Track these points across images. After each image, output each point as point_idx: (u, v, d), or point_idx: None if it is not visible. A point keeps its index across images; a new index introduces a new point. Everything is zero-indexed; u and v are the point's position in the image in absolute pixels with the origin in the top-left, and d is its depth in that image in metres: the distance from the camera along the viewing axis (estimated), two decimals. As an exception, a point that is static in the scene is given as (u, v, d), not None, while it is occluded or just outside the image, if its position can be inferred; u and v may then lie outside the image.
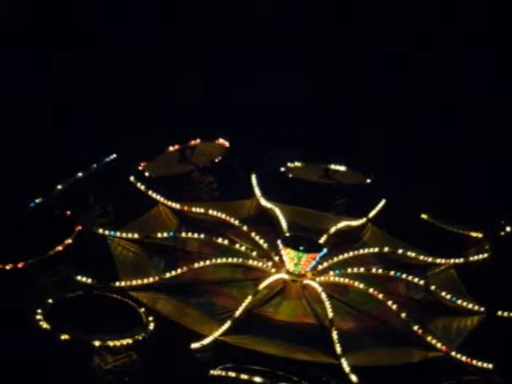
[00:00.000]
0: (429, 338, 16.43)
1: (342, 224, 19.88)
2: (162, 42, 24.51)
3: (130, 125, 22.00)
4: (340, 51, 25.12)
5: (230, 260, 17.64)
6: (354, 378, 15.09)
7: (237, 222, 19.00)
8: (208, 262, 17.42)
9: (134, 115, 22.57)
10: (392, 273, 18.03)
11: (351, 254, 18.79)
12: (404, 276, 18.03)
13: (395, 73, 24.86)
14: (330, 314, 16.46)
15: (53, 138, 20.64)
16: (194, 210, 19.26)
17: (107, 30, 24.23)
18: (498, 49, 24.97)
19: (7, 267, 16.06)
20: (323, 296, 17.02)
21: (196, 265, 17.26)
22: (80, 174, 19.03)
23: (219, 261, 17.53)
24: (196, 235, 18.12)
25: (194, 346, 15.21)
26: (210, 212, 19.16)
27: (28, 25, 23.35)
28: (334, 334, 15.95)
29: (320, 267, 18.12)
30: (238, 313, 16.12)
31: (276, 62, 24.94)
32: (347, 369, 15.25)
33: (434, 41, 25.20)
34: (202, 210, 19.25)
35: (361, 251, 18.98)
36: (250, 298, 16.49)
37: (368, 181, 21.51)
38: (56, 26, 23.59)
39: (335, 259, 18.46)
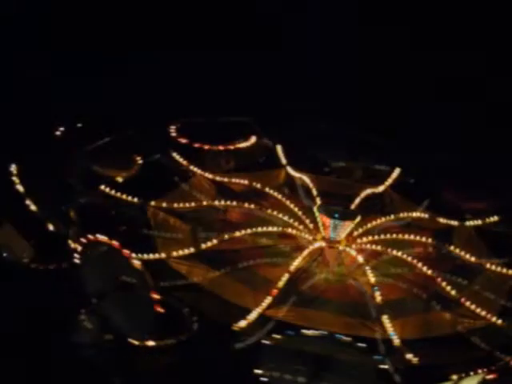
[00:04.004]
0: (467, 304, 15.47)
1: (368, 191, 19.13)
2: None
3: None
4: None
5: (270, 229, 16.67)
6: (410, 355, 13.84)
7: (272, 191, 18.23)
8: (249, 231, 16.47)
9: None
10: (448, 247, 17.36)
11: (383, 219, 17.96)
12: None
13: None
14: (372, 279, 15.55)
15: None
16: (232, 180, 18.64)
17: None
18: None
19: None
20: (360, 260, 16.16)
21: (237, 233, 16.37)
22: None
23: (259, 229, 16.56)
24: (235, 203, 17.44)
25: (240, 324, 13.99)
26: (246, 182, 18.54)
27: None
28: (378, 298, 15.09)
29: (355, 233, 17.25)
30: (281, 283, 15.09)
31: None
32: (390, 329, 14.28)
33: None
34: (242, 181, 18.59)
35: (392, 217, 18.16)
36: (291, 268, 15.51)
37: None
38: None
39: (369, 225, 17.60)
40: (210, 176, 18.60)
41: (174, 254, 15.57)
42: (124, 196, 17.02)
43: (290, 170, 19.70)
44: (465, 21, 23.50)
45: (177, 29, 23.25)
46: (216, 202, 17.63)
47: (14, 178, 15.58)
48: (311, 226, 17.36)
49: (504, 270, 16.91)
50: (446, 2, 23.97)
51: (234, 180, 18.65)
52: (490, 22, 23.48)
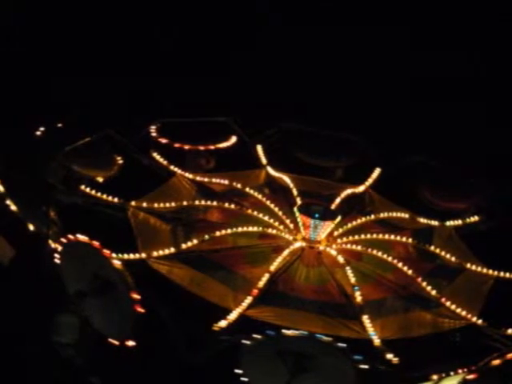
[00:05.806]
0: (448, 304, 15.27)
1: (349, 191, 19.07)
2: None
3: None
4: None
5: (250, 229, 16.42)
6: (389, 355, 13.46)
7: (252, 191, 18.01)
8: (229, 231, 16.20)
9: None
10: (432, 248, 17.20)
11: (364, 219, 17.87)
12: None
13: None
14: (352, 280, 15.36)
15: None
16: (212, 180, 18.44)
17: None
18: None
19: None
20: (341, 260, 15.94)
21: (218, 233, 16.05)
22: None
23: (240, 229, 16.31)
24: (215, 203, 17.21)
25: (220, 324, 13.53)
26: (226, 182, 18.34)
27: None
28: (359, 298, 14.87)
29: (335, 233, 17.06)
30: (261, 283, 14.83)
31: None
32: (370, 329, 14.10)
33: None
34: (222, 181, 18.40)
35: (372, 217, 18.10)
36: (272, 268, 15.30)
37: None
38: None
39: (349, 225, 17.43)
40: (191, 176, 18.38)
41: (155, 254, 15.18)
42: (104, 196, 16.71)
43: (270, 170, 19.52)
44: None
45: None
46: (196, 202, 17.36)
47: (-6, 179, 15.22)
48: (291, 226, 17.14)
49: (484, 270, 16.74)
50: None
51: (214, 180, 18.43)
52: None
